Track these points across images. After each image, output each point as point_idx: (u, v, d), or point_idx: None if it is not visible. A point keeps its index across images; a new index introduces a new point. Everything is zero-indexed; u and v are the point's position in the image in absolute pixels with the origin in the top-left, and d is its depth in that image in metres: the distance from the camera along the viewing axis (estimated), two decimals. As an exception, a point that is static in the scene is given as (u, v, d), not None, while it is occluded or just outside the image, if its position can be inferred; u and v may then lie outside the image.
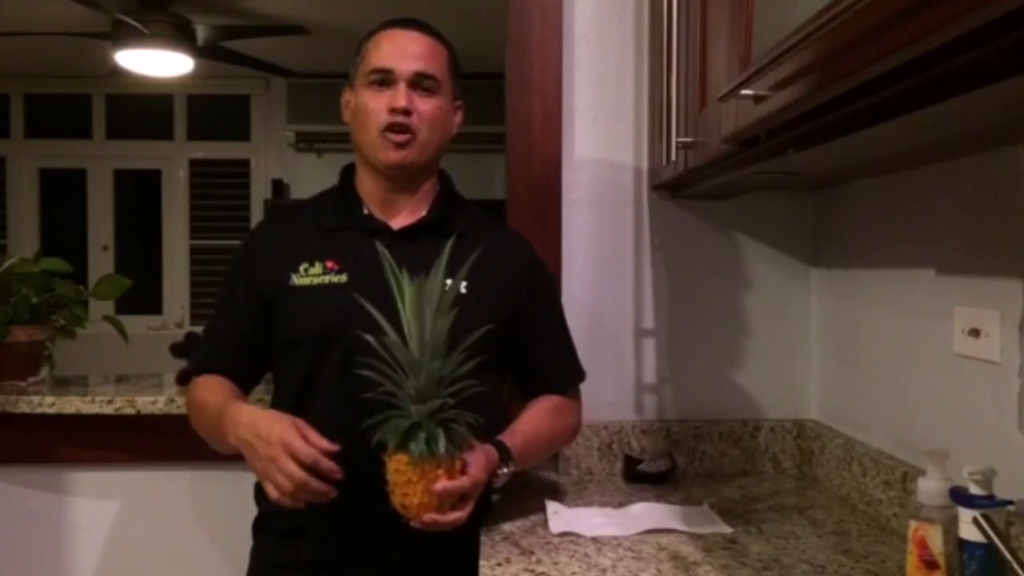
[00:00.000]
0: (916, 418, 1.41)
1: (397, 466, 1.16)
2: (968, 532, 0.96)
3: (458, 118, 1.49)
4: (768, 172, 1.35)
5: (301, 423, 1.23)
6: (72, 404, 1.82)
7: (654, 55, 1.70)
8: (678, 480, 1.73)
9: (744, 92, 0.97)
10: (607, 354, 1.80)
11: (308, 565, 1.40)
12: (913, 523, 1.04)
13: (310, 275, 1.39)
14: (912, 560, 1.04)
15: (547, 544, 1.33)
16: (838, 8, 0.74)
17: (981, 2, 0.57)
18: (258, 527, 1.49)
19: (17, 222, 5.59)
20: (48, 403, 1.82)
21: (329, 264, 1.39)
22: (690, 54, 1.39)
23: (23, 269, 1.89)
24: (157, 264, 5.66)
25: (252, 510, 1.49)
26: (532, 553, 1.29)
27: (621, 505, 1.55)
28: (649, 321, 1.82)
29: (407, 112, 1.37)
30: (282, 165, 5.54)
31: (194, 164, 5.68)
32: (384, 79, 1.38)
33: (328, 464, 1.20)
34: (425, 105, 1.39)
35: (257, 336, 1.43)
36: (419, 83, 1.38)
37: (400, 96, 1.37)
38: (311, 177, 5.33)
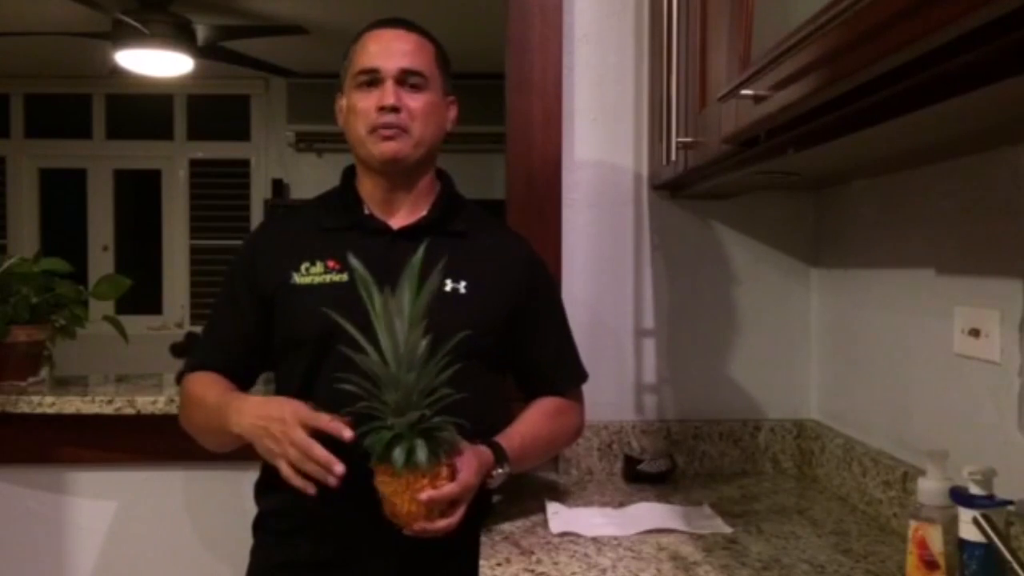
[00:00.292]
0: (916, 418, 1.41)
1: (383, 477, 1.17)
2: (968, 532, 0.96)
3: (452, 113, 1.49)
4: (768, 172, 1.35)
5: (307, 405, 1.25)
6: (72, 404, 1.82)
7: (654, 55, 1.70)
8: (678, 480, 1.73)
9: (744, 92, 0.97)
10: (607, 354, 1.80)
11: (308, 565, 1.40)
12: (913, 523, 1.04)
13: (311, 274, 1.40)
14: (912, 560, 1.04)
15: (547, 544, 1.33)
16: (838, 8, 0.74)
17: (981, 2, 0.57)
18: (258, 526, 1.49)
19: (17, 222, 5.59)
20: (48, 403, 1.82)
21: (330, 263, 1.40)
22: (690, 54, 1.39)
23: (23, 269, 1.89)
24: (157, 264, 5.66)
25: (252, 510, 1.49)
26: (532, 553, 1.29)
27: (621, 505, 1.55)
28: (649, 321, 1.82)
29: (395, 109, 1.37)
30: (282, 165, 5.55)
31: (194, 164, 5.68)
32: (371, 79, 1.38)
33: (332, 425, 1.21)
34: (414, 101, 1.38)
35: (258, 336, 1.43)
36: (406, 80, 1.38)
37: (388, 94, 1.37)
38: (311, 177, 5.33)
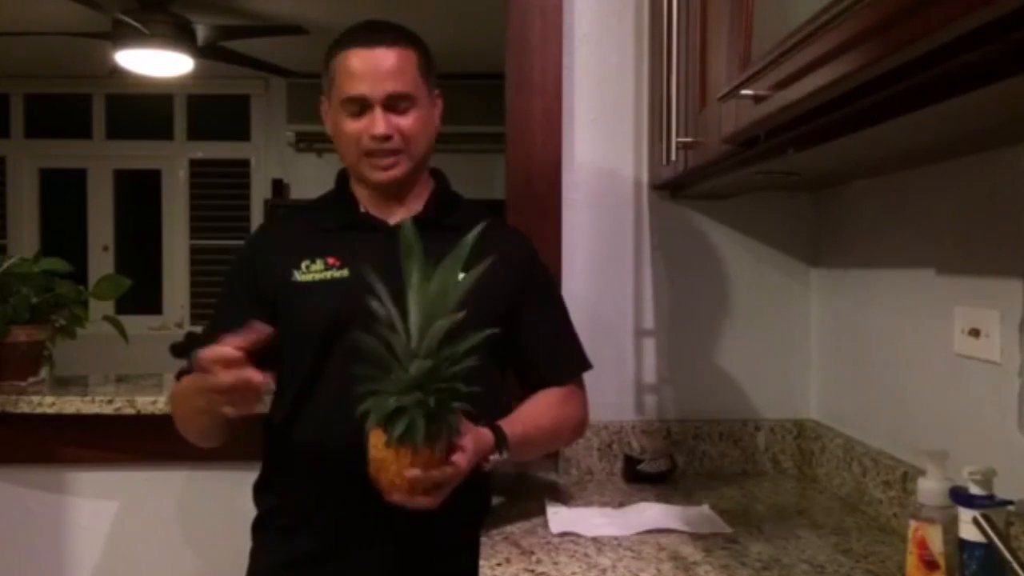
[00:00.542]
0: (916, 418, 1.41)
1: (375, 441, 1.16)
2: (968, 532, 0.96)
3: (439, 110, 1.47)
4: (768, 172, 1.35)
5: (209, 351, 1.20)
6: (72, 404, 1.82)
7: (654, 55, 1.70)
8: (678, 480, 1.73)
9: (744, 92, 0.97)
10: (607, 354, 1.79)
11: (307, 563, 1.40)
12: (913, 523, 1.04)
13: (312, 272, 1.40)
14: (912, 560, 1.04)
15: (547, 544, 1.34)
16: (838, 8, 0.74)
17: (981, 2, 0.57)
18: (257, 527, 1.49)
19: (17, 222, 5.59)
20: (48, 403, 1.82)
21: (330, 260, 1.41)
22: (690, 54, 1.39)
23: (23, 269, 1.89)
24: (157, 264, 5.66)
25: (251, 510, 1.49)
26: (532, 553, 1.29)
27: (621, 505, 1.55)
28: (649, 321, 1.82)
29: (388, 137, 1.37)
30: (282, 165, 5.55)
31: (194, 164, 5.68)
32: (359, 105, 1.37)
33: (225, 352, 1.18)
34: (404, 121, 1.38)
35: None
36: (395, 104, 1.37)
37: (378, 123, 1.36)
38: (311, 177, 5.33)
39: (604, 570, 1.22)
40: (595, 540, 1.35)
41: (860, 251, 1.63)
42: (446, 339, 1.14)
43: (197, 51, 3.97)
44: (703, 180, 1.53)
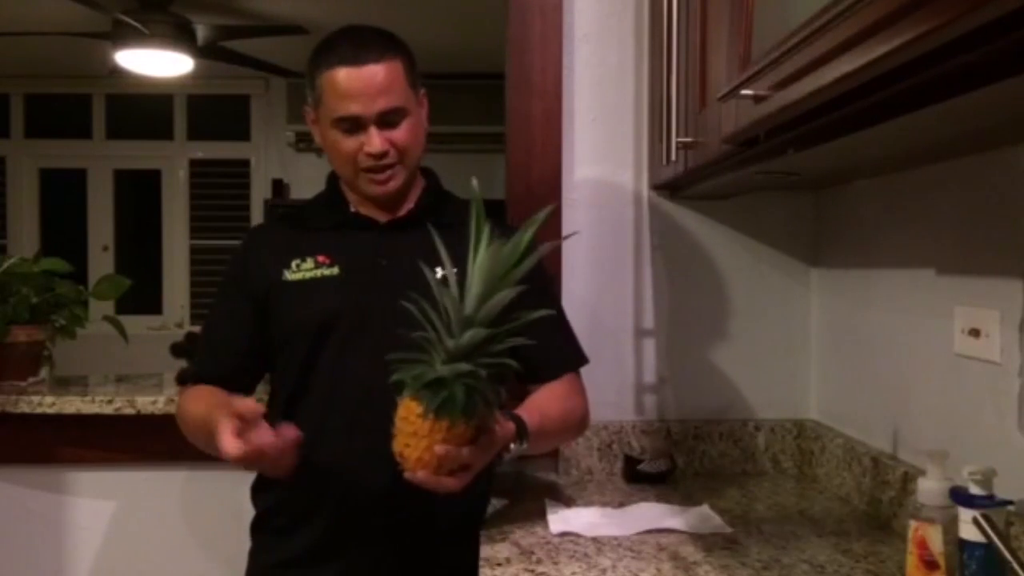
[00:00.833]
0: (916, 418, 1.41)
1: (407, 413, 1.11)
2: (968, 532, 0.96)
3: (425, 109, 1.46)
4: (768, 172, 1.35)
5: (224, 418, 1.20)
6: (72, 404, 1.82)
7: (654, 55, 1.70)
8: (678, 480, 1.73)
9: (744, 92, 0.97)
10: (607, 354, 1.79)
11: (306, 563, 1.40)
12: (913, 523, 1.04)
13: (302, 270, 1.41)
14: (912, 560, 1.04)
15: (547, 544, 1.33)
16: (838, 8, 0.74)
17: (981, 2, 0.57)
18: (256, 527, 1.49)
19: (17, 222, 5.59)
20: (48, 403, 1.82)
21: (320, 258, 1.41)
22: (690, 54, 1.39)
23: (23, 269, 1.89)
24: (157, 264, 5.66)
25: (251, 510, 1.49)
26: (532, 553, 1.29)
27: (621, 505, 1.55)
28: (649, 321, 1.82)
29: (384, 154, 1.37)
30: (282, 165, 5.55)
31: (194, 164, 5.68)
32: (351, 123, 1.36)
33: (257, 442, 1.18)
34: (398, 134, 1.37)
35: (255, 337, 1.44)
36: (387, 119, 1.36)
37: (373, 141, 1.35)
38: (311, 177, 5.32)
39: (604, 570, 1.22)
40: (595, 540, 1.35)
41: (860, 251, 1.63)
42: (503, 312, 1.10)
43: (197, 51, 3.97)
44: (703, 180, 1.53)
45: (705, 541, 1.34)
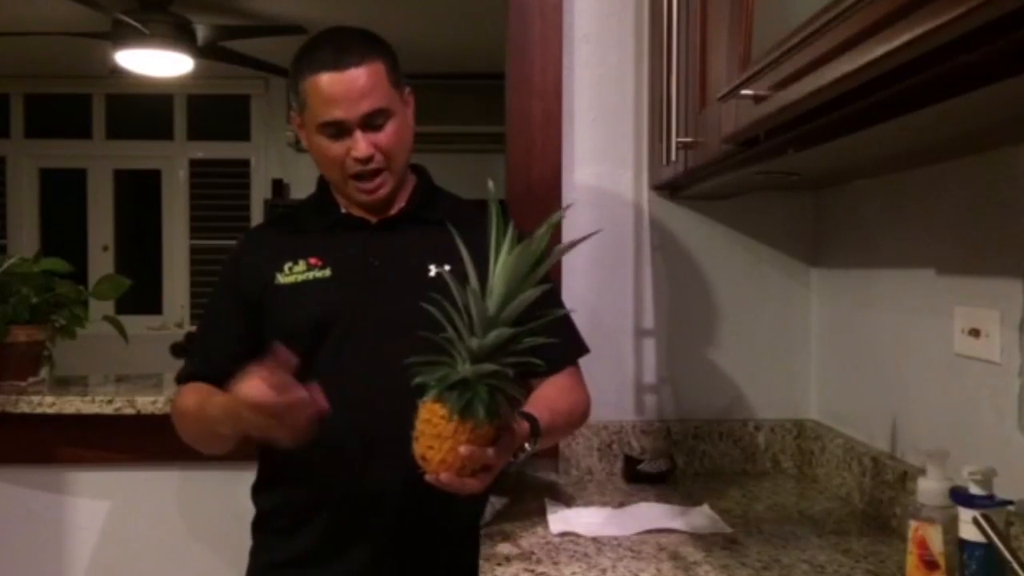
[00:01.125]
0: (916, 418, 1.41)
1: (430, 416, 1.11)
2: (968, 532, 0.96)
3: (411, 108, 1.46)
4: (768, 172, 1.35)
5: (249, 379, 1.17)
6: (72, 404, 1.82)
7: (654, 55, 1.70)
8: (678, 480, 1.73)
9: (744, 92, 0.97)
10: (607, 354, 1.79)
11: (307, 562, 1.40)
12: (913, 523, 1.04)
13: (294, 273, 1.41)
14: (912, 560, 1.04)
15: (547, 544, 1.33)
16: (838, 8, 0.74)
17: (981, 2, 0.57)
18: (257, 526, 1.49)
19: (17, 222, 5.59)
20: (48, 403, 1.82)
21: (312, 261, 1.41)
22: (690, 54, 1.39)
23: (23, 269, 1.89)
24: (157, 264, 5.65)
25: (251, 509, 1.49)
26: (532, 553, 1.29)
27: (621, 505, 1.55)
28: (649, 321, 1.82)
29: (369, 158, 1.37)
30: (282, 165, 5.54)
31: (194, 164, 5.68)
32: (336, 128, 1.36)
33: (277, 380, 1.15)
34: (383, 137, 1.37)
35: (249, 340, 1.43)
36: (371, 121, 1.36)
37: (359, 145, 1.35)
38: (311, 177, 5.25)
39: (604, 570, 1.22)
40: (595, 540, 1.35)
41: (860, 251, 1.63)
42: (524, 314, 1.10)
43: (197, 51, 3.97)
44: (703, 180, 1.53)
45: (705, 541, 1.34)
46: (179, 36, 3.87)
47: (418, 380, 1.11)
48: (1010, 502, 0.98)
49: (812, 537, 1.37)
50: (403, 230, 1.43)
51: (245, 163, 5.68)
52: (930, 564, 1.02)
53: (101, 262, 5.52)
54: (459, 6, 3.90)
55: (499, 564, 1.25)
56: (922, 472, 1.05)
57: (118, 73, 4.21)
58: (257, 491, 1.49)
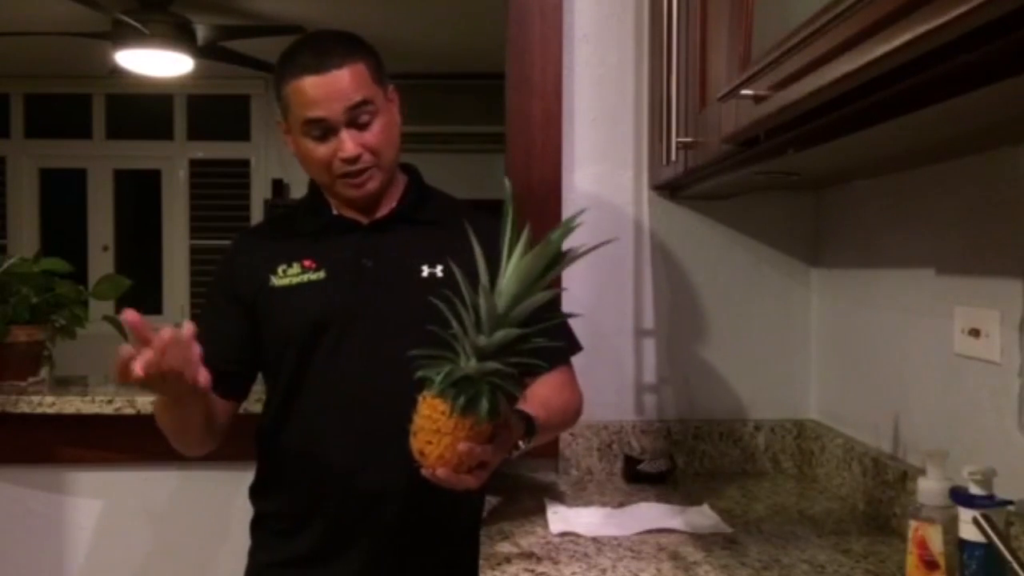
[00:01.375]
0: (916, 418, 1.41)
1: (431, 412, 1.11)
2: (968, 532, 0.96)
3: (396, 105, 1.44)
4: (768, 172, 1.35)
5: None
6: (72, 404, 1.82)
7: (654, 55, 1.70)
8: (678, 480, 1.73)
9: (744, 92, 0.97)
10: (607, 354, 1.80)
11: (306, 563, 1.40)
12: (913, 523, 1.04)
13: (288, 276, 1.40)
14: (912, 560, 1.04)
15: (547, 544, 1.33)
16: (838, 8, 0.74)
17: (981, 2, 0.57)
18: (255, 527, 1.49)
19: (17, 222, 5.59)
20: (48, 403, 1.82)
21: (306, 263, 1.41)
22: (690, 54, 1.39)
23: (23, 269, 1.89)
24: (157, 264, 5.66)
25: (251, 509, 1.49)
26: (532, 553, 1.29)
27: (621, 505, 1.55)
28: (649, 321, 1.82)
29: (357, 157, 1.36)
30: (282, 165, 5.55)
31: (194, 164, 5.68)
32: (321, 130, 1.35)
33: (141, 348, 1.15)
34: (370, 136, 1.36)
35: (245, 343, 1.43)
36: (356, 118, 1.35)
37: (346, 144, 1.34)
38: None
39: (604, 570, 1.22)
40: (595, 540, 1.35)
41: (860, 251, 1.63)
42: (534, 314, 1.10)
43: (197, 51, 3.97)
44: (703, 180, 1.53)
45: (705, 541, 1.34)
46: (179, 36, 3.88)
47: (421, 374, 1.11)
48: (1010, 502, 0.98)
49: (812, 537, 1.37)
50: (395, 230, 1.42)
51: (245, 163, 5.68)
52: (930, 564, 1.02)
53: (101, 262, 5.53)
54: (459, 6, 3.91)
55: (499, 564, 1.25)
56: (922, 472, 1.05)
57: (118, 73, 4.22)
58: (255, 492, 1.49)
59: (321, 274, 1.39)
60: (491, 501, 1.52)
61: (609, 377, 1.79)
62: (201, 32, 3.93)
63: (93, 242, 5.62)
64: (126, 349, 1.14)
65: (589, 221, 1.78)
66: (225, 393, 1.41)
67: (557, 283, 1.55)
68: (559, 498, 1.60)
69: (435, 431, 1.11)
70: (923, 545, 1.02)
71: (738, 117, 1.09)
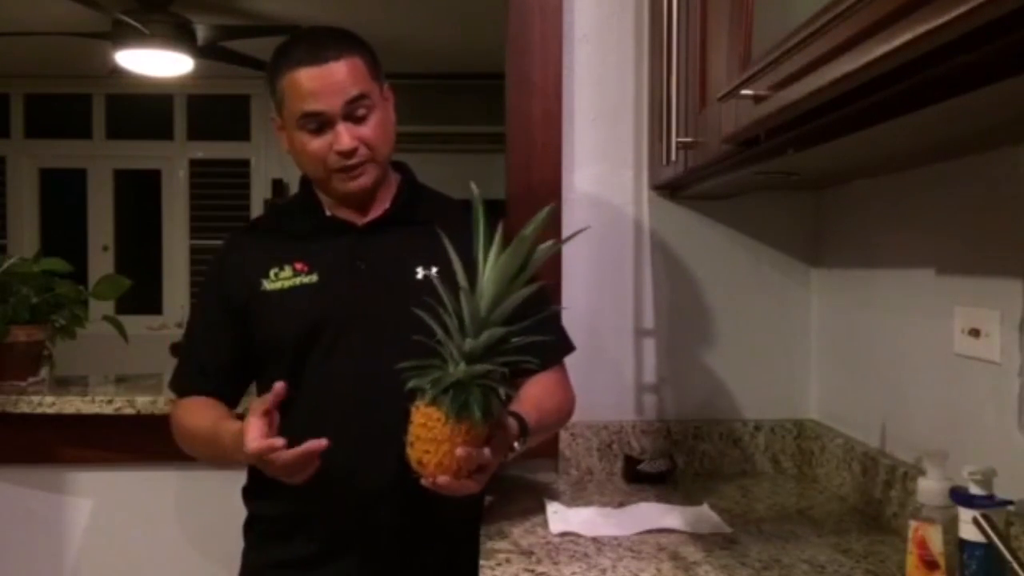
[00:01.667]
0: (916, 418, 1.41)
1: (426, 420, 1.11)
2: (968, 532, 0.96)
3: (391, 103, 1.44)
4: (768, 172, 1.35)
5: (249, 428, 1.20)
6: (72, 404, 1.82)
7: (654, 55, 1.70)
8: (678, 480, 1.73)
9: (744, 92, 0.97)
10: (607, 354, 1.80)
11: (301, 565, 1.39)
12: (913, 523, 1.04)
13: (280, 279, 1.39)
14: (912, 560, 1.04)
15: (547, 544, 1.33)
16: (838, 8, 0.74)
17: (981, 2, 0.57)
18: (248, 528, 1.48)
19: (17, 222, 5.59)
20: (48, 403, 1.82)
21: (298, 266, 1.40)
22: (690, 54, 1.39)
23: (23, 269, 1.89)
24: (157, 264, 5.66)
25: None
26: (532, 553, 1.29)
27: (621, 505, 1.55)
28: (649, 321, 1.82)
29: (353, 151, 1.35)
30: (282, 165, 5.54)
31: (194, 164, 5.68)
32: (317, 123, 1.34)
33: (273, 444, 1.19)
34: (366, 130, 1.35)
35: (237, 351, 1.43)
36: (352, 112, 1.34)
37: (342, 138, 1.33)
38: (311, 177, 5.32)
39: (604, 570, 1.22)
40: (595, 540, 1.35)
41: (860, 251, 1.63)
42: (515, 313, 1.11)
43: (197, 51, 3.97)
44: (703, 180, 1.53)
45: (705, 541, 1.34)
46: (179, 36, 3.87)
47: (411, 384, 1.12)
48: (1010, 502, 0.98)
49: (812, 537, 1.37)
50: (389, 232, 1.41)
51: (245, 163, 5.68)
52: (930, 564, 1.02)
53: (101, 262, 5.52)
54: (459, 6, 3.90)
55: (499, 564, 1.25)
56: (922, 472, 1.05)
57: (118, 73, 4.21)
58: (248, 494, 1.48)
59: (314, 277, 1.38)
60: (491, 501, 1.52)
61: (609, 377, 1.79)
62: (201, 32, 3.93)
63: (93, 242, 5.62)
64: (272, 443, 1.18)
65: (589, 221, 1.81)
66: (221, 402, 1.42)
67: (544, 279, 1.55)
68: (559, 498, 1.60)
69: (431, 439, 1.11)
70: (923, 545, 1.02)
71: (738, 117, 1.09)
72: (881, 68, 0.72)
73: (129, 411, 1.81)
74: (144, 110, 5.60)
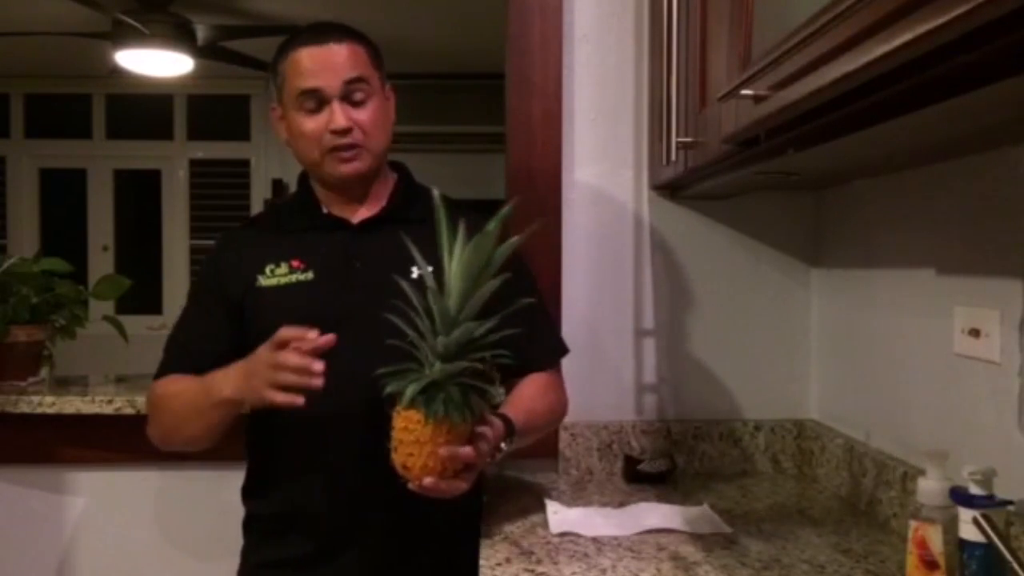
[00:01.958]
0: (916, 418, 1.41)
1: (406, 423, 1.11)
2: (968, 532, 0.96)
3: (392, 104, 1.46)
4: (768, 172, 1.35)
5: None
6: (72, 404, 1.82)
7: (654, 55, 1.70)
8: (678, 480, 1.73)
9: (744, 92, 0.97)
10: (607, 354, 1.80)
11: (300, 564, 1.39)
12: (913, 523, 1.04)
13: (276, 276, 1.40)
14: (912, 560, 1.04)
15: (547, 544, 1.33)
16: (838, 8, 0.74)
17: (981, 2, 0.57)
18: (247, 527, 1.48)
19: (17, 222, 5.59)
20: (48, 403, 1.82)
21: (294, 263, 1.40)
22: (690, 54, 1.39)
23: (23, 269, 1.89)
24: (157, 264, 5.66)
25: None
26: (532, 553, 1.29)
27: (621, 505, 1.55)
28: (649, 321, 1.82)
29: (348, 130, 1.36)
30: (282, 165, 5.54)
31: (194, 164, 5.68)
32: (315, 101, 1.35)
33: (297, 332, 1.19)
34: (363, 114, 1.36)
35: (227, 342, 1.41)
36: (350, 94, 1.35)
37: (337, 116, 1.34)
38: (311, 177, 5.32)
39: (604, 570, 1.22)
40: (595, 540, 1.35)
41: (860, 251, 1.63)
42: (490, 308, 1.11)
43: (197, 51, 3.97)
44: (703, 180, 1.53)
45: (705, 541, 1.34)
46: (179, 36, 3.87)
47: (389, 389, 1.12)
48: (1010, 502, 0.98)
49: (812, 537, 1.37)
50: (385, 230, 1.41)
51: (245, 163, 5.68)
52: (930, 564, 1.02)
53: (101, 262, 5.52)
54: (459, 6, 3.90)
55: (499, 564, 1.25)
56: (922, 472, 1.05)
57: (118, 73, 4.21)
58: (247, 492, 1.48)
59: (310, 275, 1.39)
60: (491, 501, 1.52)
61: (609, 377, 1.79)
62: (201, 32, 3.93)
63: (93, 242, 5.62)
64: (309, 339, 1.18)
65: (589, 220, 1.81)
66: None
67: (529, 277, 1.56)
68: (559, 498, 1.60)
69: (414, 442, 1.11)
70: (923, 545, 1.02)
71: (738, 117, 1.09)
72: (881, 68, 0.72)
73: (129, 411, 1.81)
74: (144, 110, 5.61)
